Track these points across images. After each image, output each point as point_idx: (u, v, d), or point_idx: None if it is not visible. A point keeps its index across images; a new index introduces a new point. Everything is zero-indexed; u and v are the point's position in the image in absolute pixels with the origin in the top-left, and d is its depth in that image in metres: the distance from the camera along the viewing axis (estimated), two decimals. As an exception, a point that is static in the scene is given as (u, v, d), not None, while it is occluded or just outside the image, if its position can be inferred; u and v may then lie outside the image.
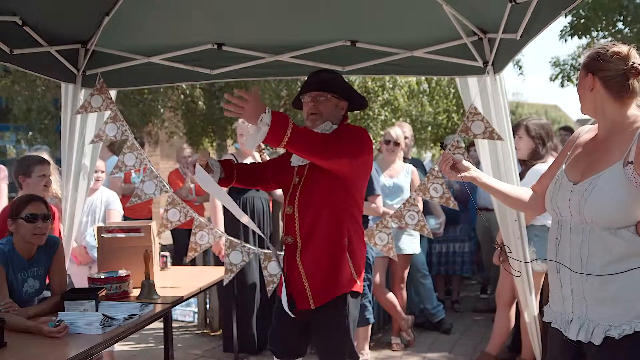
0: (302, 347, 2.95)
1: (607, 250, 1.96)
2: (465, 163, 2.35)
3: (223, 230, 4.42)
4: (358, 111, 10.12)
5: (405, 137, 5.69)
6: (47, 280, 3.22)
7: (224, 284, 3.94)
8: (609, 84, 2.02)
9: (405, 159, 5.33)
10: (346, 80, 3.00)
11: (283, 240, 2.89)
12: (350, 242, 2.81)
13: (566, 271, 2.04)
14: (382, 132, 6.61)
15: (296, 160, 2.86)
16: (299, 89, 3.02)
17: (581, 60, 2.12)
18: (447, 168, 2.36)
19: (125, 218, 6.32)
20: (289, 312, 2.81)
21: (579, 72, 2.16)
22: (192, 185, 6.29)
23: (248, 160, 4.62)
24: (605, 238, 1.96)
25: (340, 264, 2.78)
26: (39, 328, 2.59)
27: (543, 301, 3.83)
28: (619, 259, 1.94)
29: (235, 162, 3.10)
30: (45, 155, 4.11)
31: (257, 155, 4.67)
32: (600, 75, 2.02)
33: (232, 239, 3.89)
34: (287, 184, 2.88)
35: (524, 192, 2.38)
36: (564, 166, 2.17)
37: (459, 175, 2.34)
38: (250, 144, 2.62)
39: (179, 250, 6.61)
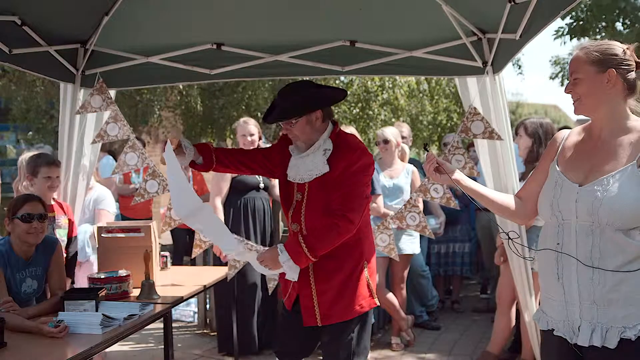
0: (306, 349, 2.92)
1: (620, 251, 1.93)
2: (449, 165, 2.29)
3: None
4: (357, 111, 10.19)
5: (403, 137, 5.69)
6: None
7: (228, 279, 3.98)
8: (628, 80, 2.02)
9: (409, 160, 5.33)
10: (341, 85, 2.93)
11: None
12: (368, 261, 2.77)
13: (571, 276, 2.00)
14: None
15: (294, 176, 2.79)
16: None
17: (583, 57, 2.06)
18: (431, 169, 2.28)
19: (125, 218, 6.34)
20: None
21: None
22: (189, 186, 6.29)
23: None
24: (619, 239, 1.94)
25: (357, 287, 2.73)
26: (39, 328, 2.59)
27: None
28: (632, 260, 1.93)
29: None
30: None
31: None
32: (621, 70, 2.01)
33: (236, 236, 3.91)
34: (288, 197, 2.82)
35: (510, 199, 2.31)
36: (558, 168, 2.13)
37: (443, 177, 2.27)
38: (292, 277, 2.73)
39: (179, 250, 6.61)
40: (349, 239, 2.71)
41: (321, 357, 2.93)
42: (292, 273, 2.69)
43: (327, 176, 2.69)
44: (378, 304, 2.82)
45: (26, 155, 4.21)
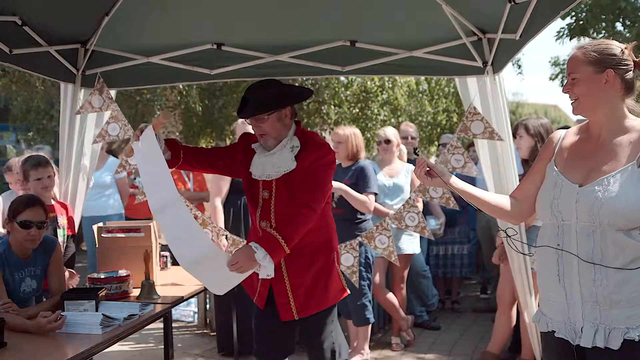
0: (290, 346, 2.97)
1: (621, 252, 1.93)
2: (440, 168, 2.28)
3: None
4: (357, 111, 10.19)
5: (413, 138, 5.75)
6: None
7: None
8: (626, 80, 2.02)
9: (408, 160, 5.33)
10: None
11: None
12: (337, 253, 2.90)
13: (573, 277, 1.99)
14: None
15: (259, 174, 2.82)
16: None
17: (580, 57, 2.06)
18: (422, 173, 2.28)
19: (127, 218, 6.36)
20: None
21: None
22: (191, 186, 6.29)
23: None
24: (619, 239, 1.93)
25: (330, 277, 2.84)
26: (38, 324, 2.58)
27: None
28: (633, 260, 1.93)
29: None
30: (48, 155, 4.10)
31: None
32: (618, 70, 2.01)
33: (235, 237, 3.92)
34: (254, 195, 2.85)
35: (504, 199, 2.30)
36: (557, 168, 2.12)
37: (434, 180, 2.27)
38: (268, 275, 2.67)
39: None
40: (320, 234, 2.81)
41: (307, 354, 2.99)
42: (269, 270, 2.64)
43: (293, 172, 2.75)
44: (349, 292, 2.95)
45: (16, 158, 4.20)
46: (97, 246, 3.67)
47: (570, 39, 9.46)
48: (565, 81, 2.12)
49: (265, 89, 2.82)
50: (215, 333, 5.06)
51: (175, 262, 5.24)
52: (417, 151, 2.50)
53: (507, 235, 2.32)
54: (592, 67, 2.02)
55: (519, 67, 12.55)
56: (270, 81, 2.91)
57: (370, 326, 4.57)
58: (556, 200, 2.06)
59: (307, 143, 2.81)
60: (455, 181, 2.27)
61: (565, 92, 2.11)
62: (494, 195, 2.37)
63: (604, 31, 9.27)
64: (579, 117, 2.23)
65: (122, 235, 3.62)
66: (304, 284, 2.79)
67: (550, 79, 12.24)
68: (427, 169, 2.27)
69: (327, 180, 2.83)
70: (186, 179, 6.14)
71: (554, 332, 2.08)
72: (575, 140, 2.16)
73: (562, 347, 2.06)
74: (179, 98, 9.84)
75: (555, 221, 2.06)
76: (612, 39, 2.14)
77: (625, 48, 2.03)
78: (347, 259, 3.90)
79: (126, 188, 6.37)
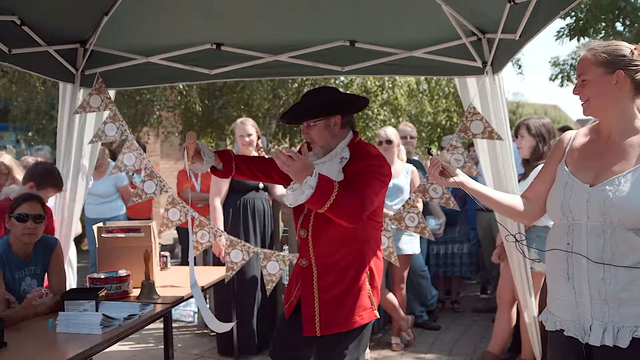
0: (305, 355, 2.87)
1: (631, 251, 1.94)
2: (454, 168, 2.29)
3: (222, 230, 4.42)
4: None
5: (412, 137, 5.75)
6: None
7: (226, 281, 3.96)
8: (636, 80, 2.03)
9: (409, 160, 5.33)
10: (340, 85, 2.89)
11: (298, 262, 2.81)
12: (371, 273, 2.72)
13: (582, 276, 2.00)
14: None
15: None
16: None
17: (590, 58, 2.06)
18: (436, 173, 2.29)
19: (128, 219, 6.37)
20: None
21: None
22: (197, 187, 6.28)
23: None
24: (630, 239, 1.95)
25: (357, 298, 2.68)
26: (27, 302, 2.68)
27: (542, 302, 3.82)
28: None
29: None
30: (47, 155, 4.10)
31: (256, 154, 4.66)
32: (628, 71, 2.01)
33: (233, 237, 3.92)
34: (300, 205, 2.70)
35: (516, 200, 2.31)
36: (567, 169, 2.14)
37: (448, 180, 2.28)
38: (290, 201, 2.53)
39: (185, 250, 6.63)
40: (353, 248, 2.67)
41: None
42: (298, 195, 2.46)
43: (340, 184, 2.58)
44: (378, 316, 2.78)
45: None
46: (97, 246, 3.67)
47: (570, 39, 9.46)
48: (575, 83, 2.13)
49: (317, 95, 2.75)
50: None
51: (182, 261, 5.26)
52: (430, 151, 2.50)
53: (515, 240, 2.32)
54: (602, 68, 2.04)
55: (519, 67, 12.58)
56: (325, 88, 2.82)
57: (370, 326, 4.57)
58: (567, 200, 2.08)
59: (358, 154, 2.67)
60: (468, 181, 2.29)
61: (575, 94, 2.12)
62: (506, 195, 2.37)
63: (603, 31, 9.28)
64: (580, 117, 2.25)
65: (122, 235, 3.62)
66: (332, 301, 2.68)
67: (550, 79, 12.24)
68: (441, 169, 2.28)
69: (377, 188, 2.60)
70: (193, 179, 6.12)
71: (563, 330, 2.09)
72: (586, 141, 2.18)
73: (571, 346, 2.07)
74: (179, 98, 9.83)
75: (566, 221, 2.08)
76: (612, 39, 2.15)
77: (635, 49, 2.04)
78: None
79: (129, 196, 6.36)
